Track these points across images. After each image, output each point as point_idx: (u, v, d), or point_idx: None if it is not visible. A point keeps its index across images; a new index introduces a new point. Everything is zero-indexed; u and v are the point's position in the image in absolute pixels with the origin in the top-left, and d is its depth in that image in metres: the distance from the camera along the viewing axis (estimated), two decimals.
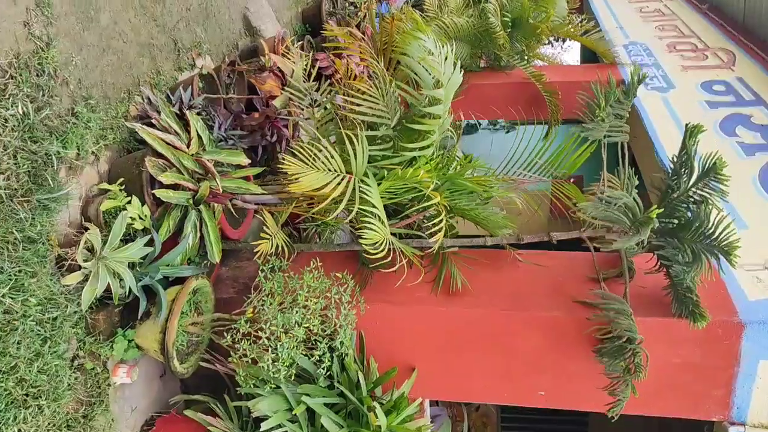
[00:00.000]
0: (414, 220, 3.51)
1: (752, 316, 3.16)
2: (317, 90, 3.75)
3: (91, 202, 3.00)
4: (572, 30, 6.45)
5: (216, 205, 3.29)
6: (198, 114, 3.47)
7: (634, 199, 3.05)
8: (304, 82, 3.68)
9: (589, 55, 7.20)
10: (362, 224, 2.91)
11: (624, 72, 6.37)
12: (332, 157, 2.99)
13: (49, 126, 2.73)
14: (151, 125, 3.19)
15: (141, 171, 3.06)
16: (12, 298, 2.44)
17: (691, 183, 3.06)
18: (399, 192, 3.19)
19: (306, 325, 3.05)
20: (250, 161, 3.47)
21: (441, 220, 3.04)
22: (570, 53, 13.51)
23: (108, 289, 2.76)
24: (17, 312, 2.47)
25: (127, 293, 2.84)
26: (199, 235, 3.20)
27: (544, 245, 3.50)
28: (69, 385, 2.76)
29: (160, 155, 3.07)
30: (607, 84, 3.52)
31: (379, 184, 3.05)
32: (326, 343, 3.13)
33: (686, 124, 3.16)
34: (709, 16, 7.66)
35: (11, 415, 2.45)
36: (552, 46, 12.15)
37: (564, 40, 11.67)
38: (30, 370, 2.53)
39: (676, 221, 3.13)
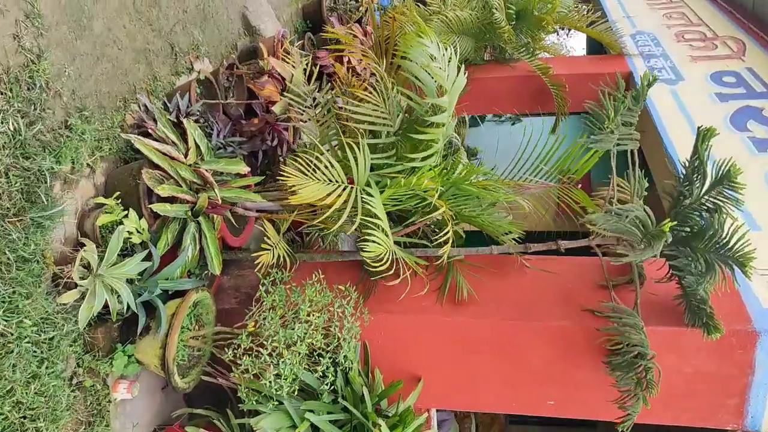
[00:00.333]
0: (419, 227, 3.42)
1: (767, 324, 3.08)
2: (318, 90, 3.65)
3: (87, 216, 2.92)
4: (578, 21, 6.29)
5: (215, 215, 3.21)
6: (196, 121, 3.39)
7: (645, 210, 2.94)
8: (304, 85, 3.58)
9: (595, 43, 7.01)
10: (365, 235, 2.83)
11: (631, 63, 6.22)
12: (332, 166, 2.91)
13: (41, 141, 2.65)
14: (148, 135, 3.11)
15: (138, 183, 2.98)
16: (6, 320, 2.38)
17: (704, 191, 2.95)
18: (403, 198, 3.11)
19: (309, 340, 2.99)
20: (249, 169, 3.38)
21: (447, 231, 2.96)
22: (575, 39, 13.28)
23: (106, 306, 2.70)
24: (12, 335, 2.40)
25: (125, 309, 2.78)
26: (198, 247, 3.13)
27: (551, 250, 3.41)
28: (67, 405, 2.69)
29: (157, 166, 2.99)
30: (615, 85, 3.40)
31: (381, 192, 2.96)
32: (330, 357, 3.06)
33: (698, 128, 3.05)
34: (717, 3, 7.46)
35: None
36: (557, 33, 11.95)
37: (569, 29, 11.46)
38: (27, 393, 2.47)
39: (688, 229, 3.02)
